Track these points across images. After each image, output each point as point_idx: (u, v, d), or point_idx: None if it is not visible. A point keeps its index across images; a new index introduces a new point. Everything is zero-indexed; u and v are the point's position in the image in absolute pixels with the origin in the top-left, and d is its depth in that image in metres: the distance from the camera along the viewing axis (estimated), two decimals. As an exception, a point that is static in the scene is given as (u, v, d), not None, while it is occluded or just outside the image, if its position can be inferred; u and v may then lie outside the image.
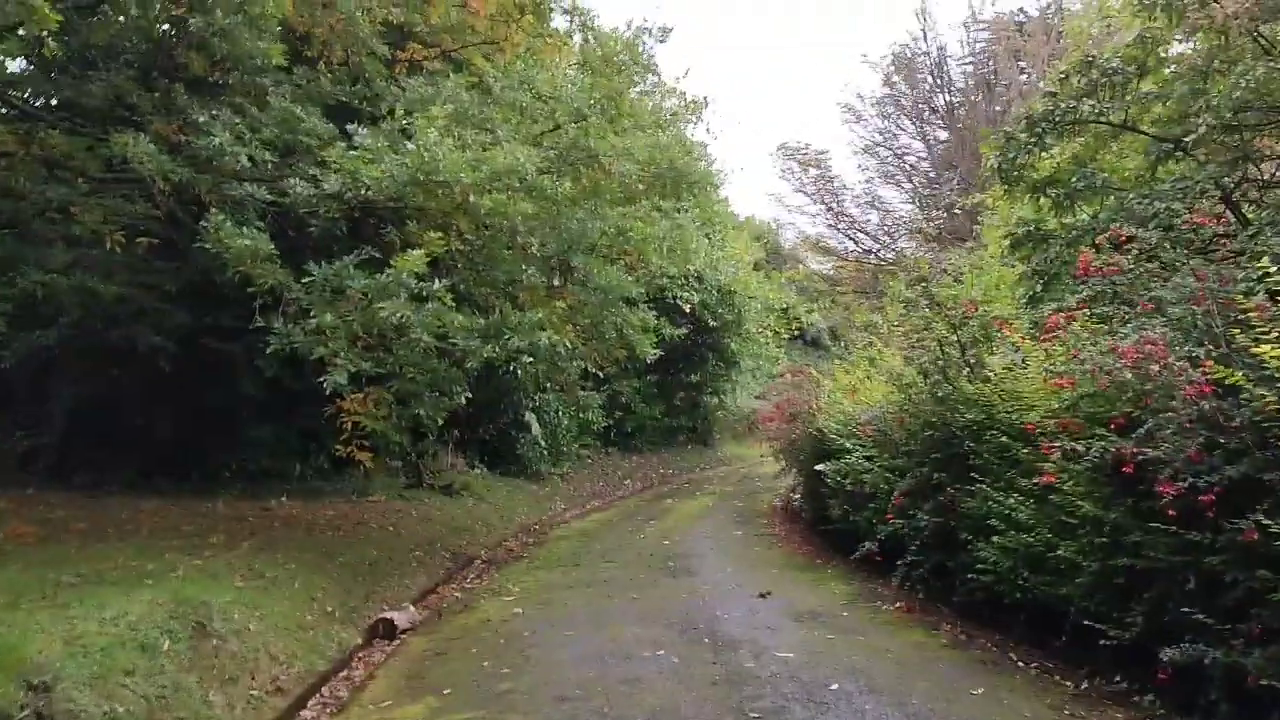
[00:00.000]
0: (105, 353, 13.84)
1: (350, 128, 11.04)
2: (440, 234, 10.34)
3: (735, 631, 8.77)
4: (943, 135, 33.53)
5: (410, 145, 10.79)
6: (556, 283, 12.63)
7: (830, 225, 33.80)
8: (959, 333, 8.61)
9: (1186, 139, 7.75)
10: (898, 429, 9.87)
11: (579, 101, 13.68)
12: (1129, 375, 6.12)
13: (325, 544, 11.93)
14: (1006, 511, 7.75)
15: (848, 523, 11.98)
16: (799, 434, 14.47)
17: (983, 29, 32.47)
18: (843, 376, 13.10)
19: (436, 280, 10.03)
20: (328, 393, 9.60)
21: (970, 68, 32.85)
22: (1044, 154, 8.61)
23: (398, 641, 9.56)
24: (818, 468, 12.26)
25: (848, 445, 11.59)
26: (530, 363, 11.78)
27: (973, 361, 8.62)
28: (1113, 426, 6.38)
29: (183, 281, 12.70)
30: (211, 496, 13.67)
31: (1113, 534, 6.41)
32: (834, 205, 33.55)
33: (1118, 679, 6.64)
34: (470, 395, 16.99)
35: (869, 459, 10.97)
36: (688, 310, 21.67)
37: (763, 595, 10.28)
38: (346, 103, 12.53)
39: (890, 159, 33.72)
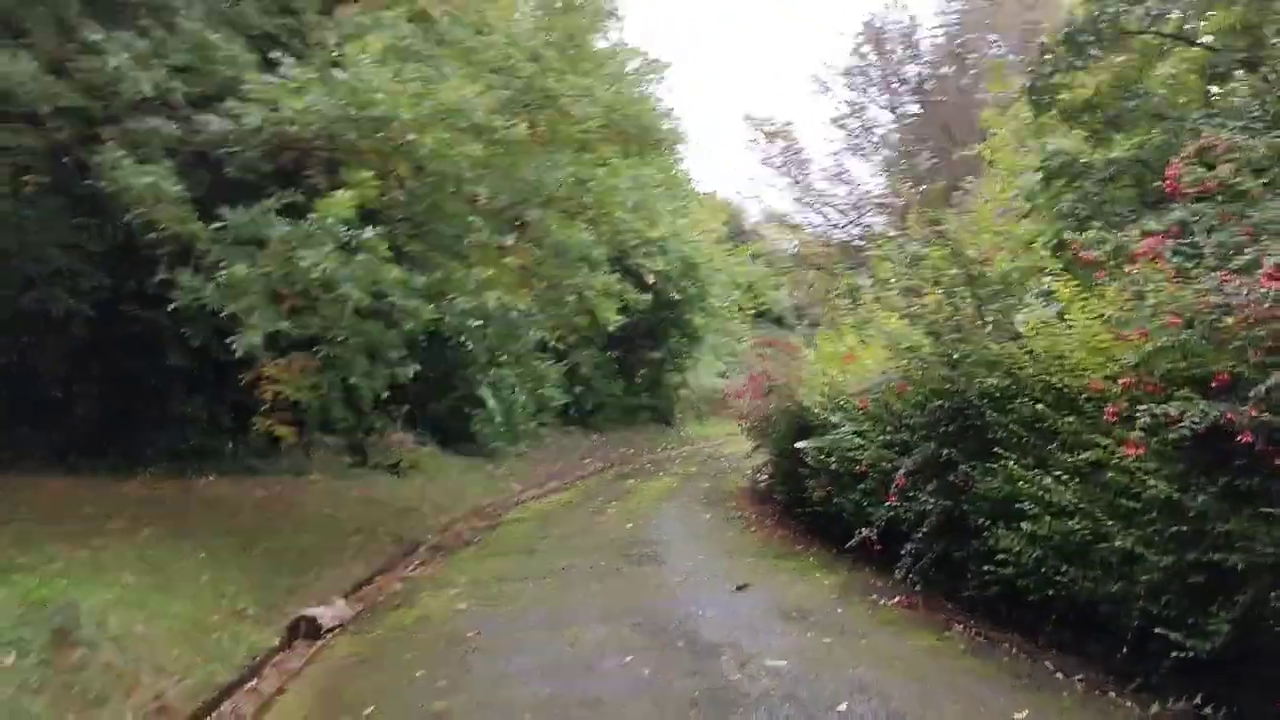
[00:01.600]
0: (17, 319, 12.20)
1: (275, 56, 9.53)
2: (374, 176, 8.84)
3: (714, 633, 7.40)
4: (913, 107, 32.29)
5: (341, 75, 9.32)
6: (510, 240, 11.14)
7: (797, 199, 32.50)
8: (975, 285, 7.26)
9: (1258, 53, 6.47)
10: (898, 400, 8.50)
11: (535, 40, 12.22)
12: (1230, 320, 4.80)
13: (248, 529, 10.43)
14: (1040, 493, 6.43)
15: (831, 505, 10.66)
16: (774, 409, 13.12)
17: (955, 1, 31.24)
18: (826, 345, 11.75)
19: (369, 229, 8.55)
20: (237, 356, 8.11)
21: (941, 39, 31.59)
22: (1083, 73, 7.28)
23: (322, 643, 8.11)
24: (798, 445, 10.92)
25: (834, 420, 10.24)
26: (479, 327, 10.32)
27: (994, 317, 7.27)
28: (1214, 385, 5.05)
29: (107, 242, 11.12)
30: (131, 476, 12.08)
31: (1195, 521, 5.09)
32: (800, 178, 32.24)
33: (1188, 699, 5.31)
34: (419, 367, 15.58)
35: (860, 434, 9.63)
36: (650, 281, 20.22)
37: (741, 588, 8.93)
38: (274, 35, 10.97)
39: (859, 130, 32.44)
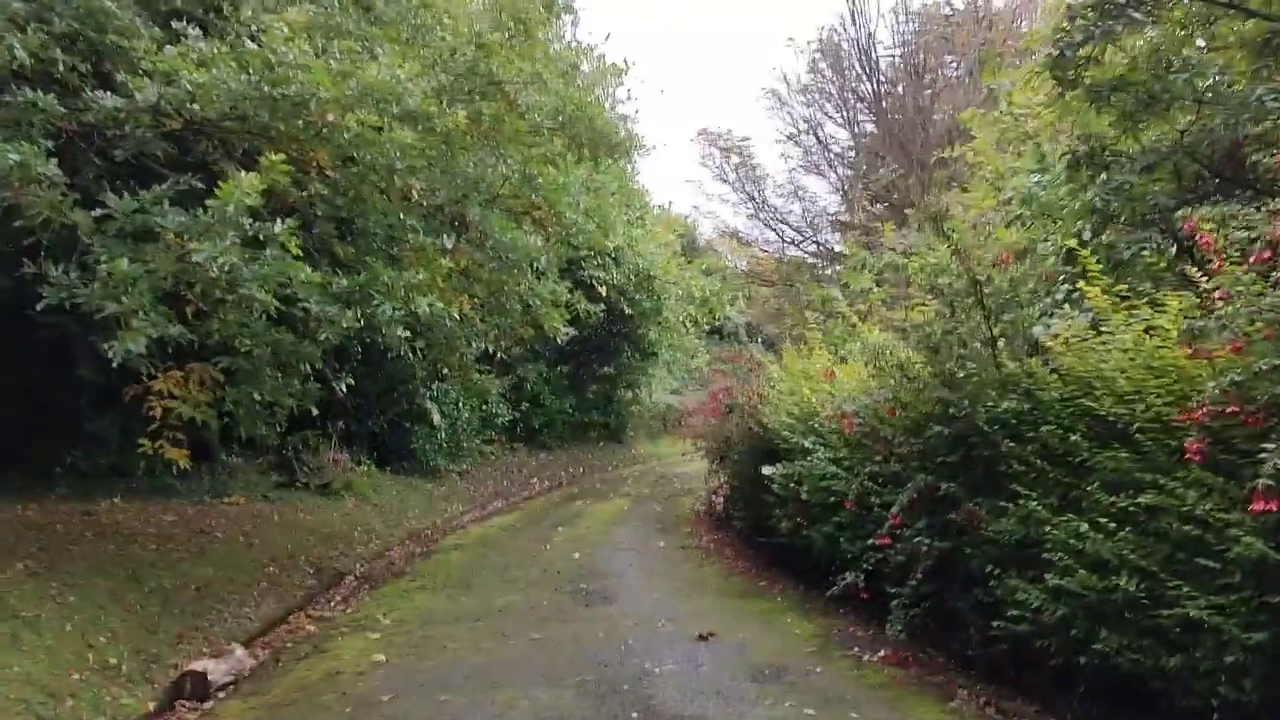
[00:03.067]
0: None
1: (179, 26, 8.17)
2: (290, 164, 7.49)
3: (675, 701, 6.13)
4: (870, 126, 31.35)
5: (253, 46, 8.00)
6: (449, 242, 9.80)
7: (751, 215, 31.41)
8: (983, 293, 6.07)
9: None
10: (886, 424, 7.28)
11: (481, 23, 10.94)
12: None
13: (141, 561, 8.99)
14: (1069, 540, 5.24)
15: (800, 538, 9.45)
16: (735, 430, 11.89)
17: (912, 20, 30.38)
18: (794, 362, 10.56)
19: (280, 222, 7.20)
20: (115, 365, 6.71)
21: (898, 58, 30.72)
22: (1112, 46, 6.16)
23: (207, 707, 6.69)
24: (764, 471, 9.69)
25: (805, 444, 9.01)
26: (407, 338, 8.97)
27: (1005, 330, 6.09)
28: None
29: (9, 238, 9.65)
30: (34, 499, 10.58)
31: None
32: (756, 195, 31.16)
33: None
34: (351, 381, 14.19)
35: (836, 462, 8.43)
36: (603, 292, 18.94)
37: (704, 637, 7.67)
38: (183, 11, 9.58)
39: (815, 148, 31.43)
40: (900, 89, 31.56)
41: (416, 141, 8.64)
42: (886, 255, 10.55)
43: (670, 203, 44.81)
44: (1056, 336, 5.64)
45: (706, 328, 27.38)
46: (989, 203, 9.64)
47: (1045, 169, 8.38)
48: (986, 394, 6.08)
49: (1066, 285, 6.34)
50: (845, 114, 31.40)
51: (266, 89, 7.77)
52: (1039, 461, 5.67)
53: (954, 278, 6.36)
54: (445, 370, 12.79)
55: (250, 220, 7.07)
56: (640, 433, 28.22)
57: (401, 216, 9.32)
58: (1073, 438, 5.35)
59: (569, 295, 11.94)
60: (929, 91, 30.97)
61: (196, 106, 7.70)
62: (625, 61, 16.97)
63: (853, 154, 31.20)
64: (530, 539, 13.93)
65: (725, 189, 31.73)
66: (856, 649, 7.26)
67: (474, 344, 12.02)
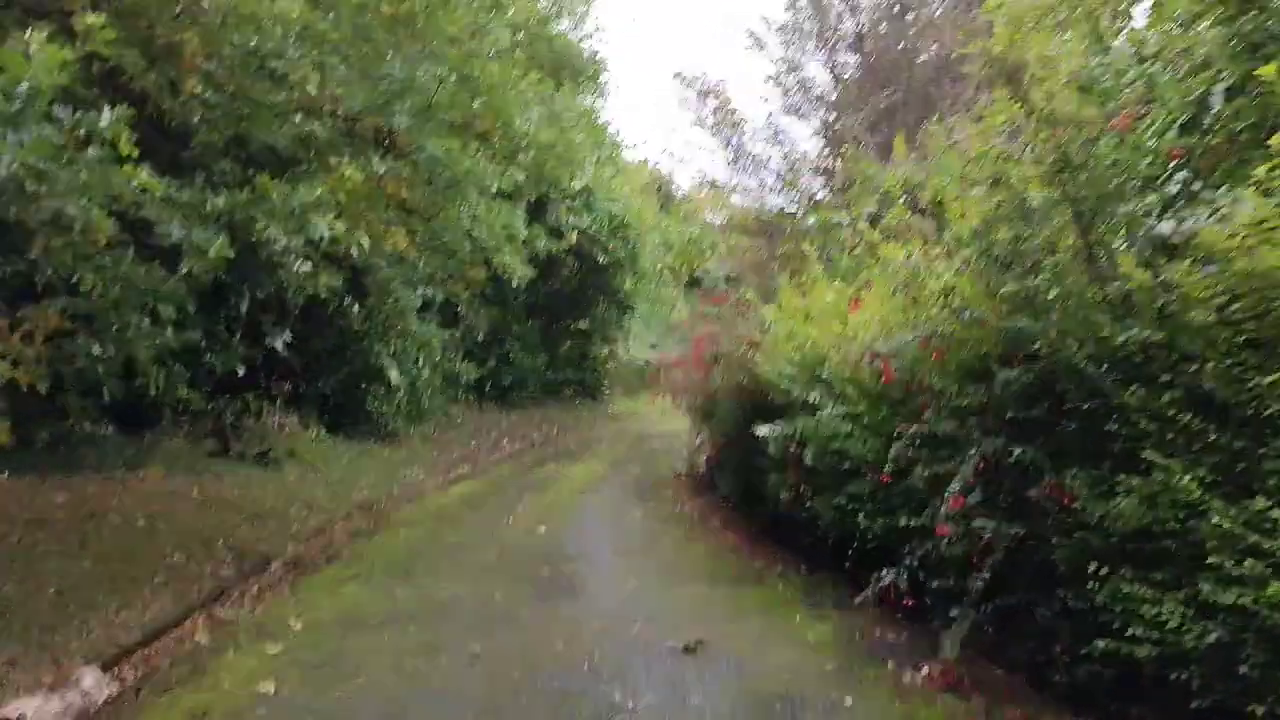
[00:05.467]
0: None
1: None
2: (111, 27, 5.43)
3: (653, 757, 4.23)
4: (851, 66, 29.17)
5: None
6: (380, 165, 7.77)
7: (731, 162, 29.21)
8: (1076, 177, 4.13)
9: None
10: (934, 370, 5.34)
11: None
12: None
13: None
14: (1240, 531, 3.37)
15: (803, 509, 7.57)
16: (721, 383, 9.97)
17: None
18: (790, 300, 8.57)
19: (106, 112, 5.16)
20: None
21: (879, -7, 28.48)
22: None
23: (16, 772, 4.76)
24: (758, 431, 7.79)
25: (810, 398, 7.09)
26: (338, 285, 6.99)
27: (1112, 232, 4.15)
28: None
29: None
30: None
31: None
32: (734, 141, 28.97)
33: None
34: (289, 339, 12.18)
35: (853, 419, 6.52)
36: (573, 239, 16.90)
37: (690, 649, 5.77)
38: None
39: (795, 89, 29.19)
40: (883, 27, 29.47)
41: (322, 27, 6.61)
42: (899, 171, 8.60)
43: (644, 155, 42.43)
44: (1213, 231, 3.68)
45: (684, 279, 25.36)
46: (1015, 108, 7.67)
47: (1105, 48, 6.40)
48: (1090, 320, 4.16)
49: (1185, 171, 4.42)
50: (827, 55, 29.21)
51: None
52: (1184, 416, 3.75)
53: (1031, 163, 4.42)
54: (385, 320, 10.73)
55: (66, 109, 5.05)
56: (617, 390, 26.27)
57: (306, 127, 7.27)
58: (1253, 380, 3.44)
59: (527, 230, 9.90)
60: (912, 31, 28.90)
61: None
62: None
63: (834, 97, 29.02)
64: (492, 510, 12.01)
65: (703, 136, 29.54)
66: (891, 662, 5.38)
67: (417, 290, 10.03)
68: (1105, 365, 4.13)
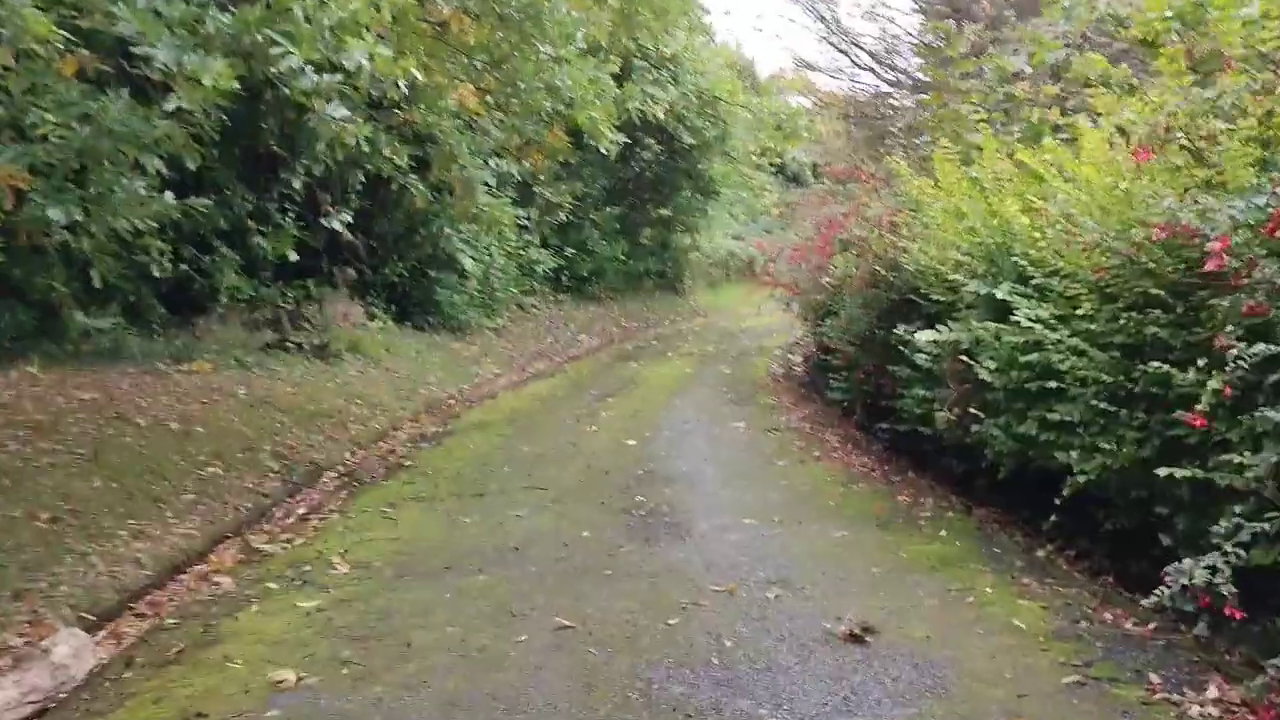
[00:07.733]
0: None
1: None
2: None
3: None
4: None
5: None
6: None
7: (822, 39, 26.62)
8: None
9: None
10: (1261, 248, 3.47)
11: None
12: None
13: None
14: None
15: (970, 435, 5.83)
16: (847, 275, 8.15)
17: None
18: (949, 173, 6.59)
19: None
20: None
21: None
22: None
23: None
24: (918, 337, 6.02)
25: (999, 295, 5.26)
26: (395, 153, 5.25)
27: None
28: None
29: None
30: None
31: None
32: (828, 14, 26.32)
33: None
34: (349, 219, 10.60)
35: (1062, 323, 4.71)
36: (659, 113, 14.90)
37: (856, 636, 4.12)
38: None
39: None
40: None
41: None
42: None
43: (729, 31, 39.50)
44: None
45: (779, 159, 23.14)
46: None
47: None
48: None
49: None
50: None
51: None
52: None
53: None
54: (447, 190, 9.01)
55: None
56: (699, 282, 24.46)
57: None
58: None
59: (619, 89, 8.03)
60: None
61: None
62: None
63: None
64: (573, 414, 10.49)
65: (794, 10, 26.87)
66: (1156, 674, 3.68)
67: (489, 163, 8.29)
68: None
